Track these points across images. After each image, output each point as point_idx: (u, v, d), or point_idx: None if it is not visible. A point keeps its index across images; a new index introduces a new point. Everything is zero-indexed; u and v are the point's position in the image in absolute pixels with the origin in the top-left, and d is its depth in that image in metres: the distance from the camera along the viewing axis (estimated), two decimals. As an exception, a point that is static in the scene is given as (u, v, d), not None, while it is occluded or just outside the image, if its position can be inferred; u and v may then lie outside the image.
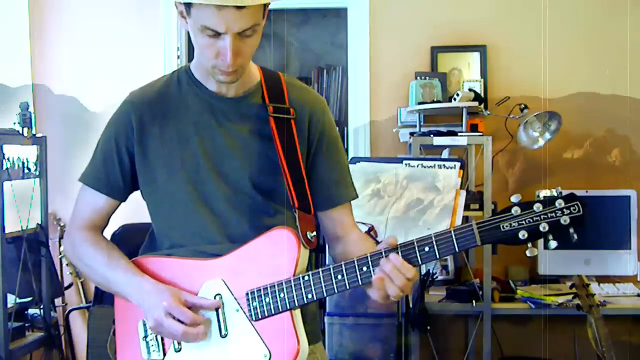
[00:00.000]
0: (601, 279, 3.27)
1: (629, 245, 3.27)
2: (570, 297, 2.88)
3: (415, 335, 3.00)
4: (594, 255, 3.29)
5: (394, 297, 1.39)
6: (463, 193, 2.67)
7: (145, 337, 1.56)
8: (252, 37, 1.44)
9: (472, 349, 3.42)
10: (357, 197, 1.69)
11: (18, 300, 3.03)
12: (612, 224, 3.28)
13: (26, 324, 3.12)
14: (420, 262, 1.37)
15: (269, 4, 1.45)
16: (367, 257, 1.40)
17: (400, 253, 1.38)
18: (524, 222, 1.31)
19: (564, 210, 1.30)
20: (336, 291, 1.42)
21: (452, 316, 3.55)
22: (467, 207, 2.91)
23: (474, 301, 3.02)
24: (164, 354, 1.53)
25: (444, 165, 2.74)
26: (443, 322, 3.53)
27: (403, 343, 3.04)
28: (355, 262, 1.41)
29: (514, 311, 3.16)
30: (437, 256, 1.36)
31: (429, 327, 2.96)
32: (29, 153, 3.16)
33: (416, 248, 1.37)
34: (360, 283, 1.41)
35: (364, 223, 2.76)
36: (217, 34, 1.41)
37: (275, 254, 1.47)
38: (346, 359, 3.14)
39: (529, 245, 1.33)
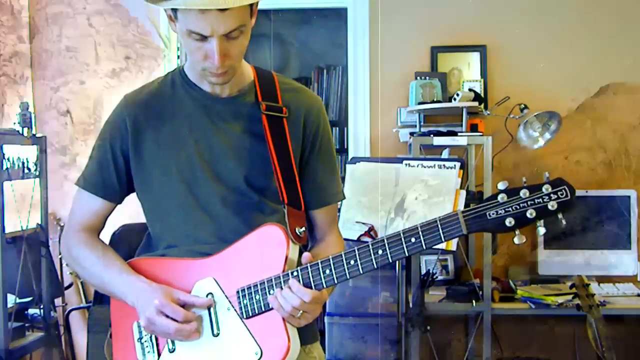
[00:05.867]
0: (601, 279, 3.27)
1: (629, 245, 3.27)
2: (570, 297, 2.88)
3: (415, 335, 3.00)
4: (594, 255, 3.29)
5: (287, 314, 1.40)
6: (463, 193, 2.67)
7: (140, 338, 1.56)
8: (240, 38, 1.44)
9: (472, 349, 3.42)
10: (345, 198, 1.71)
11: (18, 300, 3.03)
12: (612, 224, 3.28)
13: (26, 324, 3.12)
14: (407, 253, 1.35)
15: (256, 3, 1.44)
16: (354, 249, 1.40)
17: (387, 245, 1.36)
18: (510, 209, 1.28)
19: (552, 195, 1.26)
20: (324, 285, 1.42)
21: (452, 316, 3.55)
22: (467, 207, 2.91)
23: (474, 301, 3.02)
24: (159, 355, 1.53)
25: (444, 165, 2.73)
26: (443, 322, 3.53)
27: (403, 343, 3.04)
28: (343, 255, 1.41)
29: (514, 311, 3.16)
30: (424, 246, 1.34)
31: (429, 327, 2.96)
32: (29, 153, 3.16)
33: (402, 239, 1.35)
34: (348, 277, 1.41)
35: (364, 223, 2.76)
36: (203, 37, 1.41)
37: (264, 250, 1.47)
38: (346, 359, 3.14)
39: (517, 232, 1.30)
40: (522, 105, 3.18)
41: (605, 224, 3.28)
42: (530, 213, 1.27)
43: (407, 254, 1.36)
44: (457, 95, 3.14)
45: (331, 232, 1.67)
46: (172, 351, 1.52)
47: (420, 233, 1.34)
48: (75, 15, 3.74)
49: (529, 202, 1.28)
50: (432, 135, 3.08)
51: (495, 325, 3.12)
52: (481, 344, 3.07)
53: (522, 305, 3.09)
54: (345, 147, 4.48)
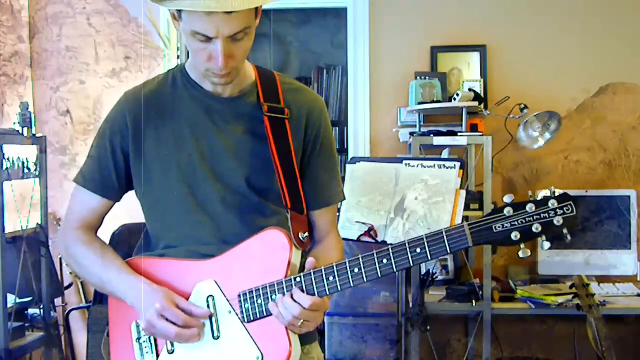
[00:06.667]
0: (601, 279, 3.27)
1: (629, 245, 3.27)
2: (570, 297, 2.88)
3: (415, 335, 3.00)
4: (594, 255, 3.29)
5: (288, 323, 1.40)
6: (463, 193, 2.67)
7: (139, 338, 1.55)
8: (244, 40, 1.43)
9: (472, 349, 3.42)
10: (345, 199, 1.70)
11: (18, 300, 3.03)
12: (612, 224, 3.28)
13: (26, 324, 3.11)
14: (412, 263, 1.36)
15: (261, 6, 1.43)
16: (359, 258, 1.39)
17: (392, 255, 1.36)
18: (516, 222, 1.29)
19: (557, 210, 1.28)
20: (328, 292, 1.41)
21: (452, 316, 3.55)
22: (467, 207, 2.91)
23: (474, 301, 3.02)
24: (157, 356, 1.53)
25: (444, 165, 2.73)
26: (443, 322, 3.53)
27: (403, 343, 3.04)
28: (347, 263, 1.40)
29: (514, 311, 3.16)
30: (429, 257, 1.35)
31: (429, 327, 2.96)
32: (29, 153, 3.16)
33: (408, 249, 1.36)
34: (352, 285, 1.40)
35: (364, 223, 2.76)
36: (208, 39, 1.40)
37: (267, 255, 1.46)
38: (346, 359, 3.14)
39: (522, 246, 1.31)
40: (522, 105, 3.18)
41: (605, 224, 3.28)
42: (536, 228, 1.29)
43: (412, 265, 1.36)
44: (457, 95, 3.14)
45: (331, 233, 1.66)
46: (171, 352, 1.51)
47: (426, 244, 1.34)
48: (75, 15, 3.74)
49: (535, 217, 1.29)
50: (432, 135, 3.08)
51: (495, 325, 3.12)
52: (481, 344, 3.08)
53: (522, 305, 3.09)
54: (345, 147, 4.48)
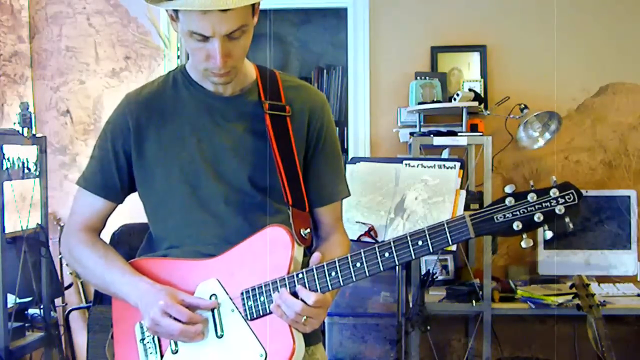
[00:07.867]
0: (601, 279, 3.27)
1: (629, 245, 3.27)
2: (570, 297, 2.88)
3: (415, 335, 3.00)
4: (594, 255, 3.29)
5: (291, 321, 1.40)
6: (463, 193, 2.67)
7: (143, 339, 1.55)
8: (242, 38, 1.43)
9: (472, 349, 3.42)
10: (350, 195, 1.69)
11: (18, 300, 3.03)
12: (612, 224, 3.28)
13: (26, 324, 3.12)
14: (414, 256, 1.35)
15: (258, 3, 1.43)
16: (360, 252, 1.39)
17: (394, 248, 1.36)
18: (518, 212, 1.28)
19: (559, 199, 1.26)
20: (330, 288, 1.41)
21: (452, 316, 3.55)
22: (467, 207, 2.91)
23: (474, 301, 3.02)
24: (161, 356, 1.53)
25: (444, 165, 2.73)
26: (443, 322, 3.53)
27: (403, 343, 3.04)
28: (349, 258, 1.40)
29: (514, 311, 3.16)
30: (431, 250, 1.33)
31: (429, 327, 2.96)
32: (29, 153, 3.16)
33: (409, 242, 1.35)
34: (354, 279, 1.40)
35: (364, 223, 2.76)
36: (205, 38, 1.40)
37: (269, 252, 1.46)
38: (346, 359, 3.14)
39: (524, 236, 1.29)
40: (522, 105, 3.18)
41: (605, 224, 3.28)
42: (538, 217, 1.27)
43: (413, 257, 1.35)
44: (457, 95, 3.14)
45: (336, 230, 1.65)
46: (175, 352, 1.51)
47: (427, 236, 1.34)
48: (75, 15, 3.74)
49: (536, 206, 1.27)
50: (432, 135, 3.08)
51: (495, 325, 3.12)
52: (481, 344, 3.07)
53: (522, 305, 3.09)
54: (345, 147, 4.47)
